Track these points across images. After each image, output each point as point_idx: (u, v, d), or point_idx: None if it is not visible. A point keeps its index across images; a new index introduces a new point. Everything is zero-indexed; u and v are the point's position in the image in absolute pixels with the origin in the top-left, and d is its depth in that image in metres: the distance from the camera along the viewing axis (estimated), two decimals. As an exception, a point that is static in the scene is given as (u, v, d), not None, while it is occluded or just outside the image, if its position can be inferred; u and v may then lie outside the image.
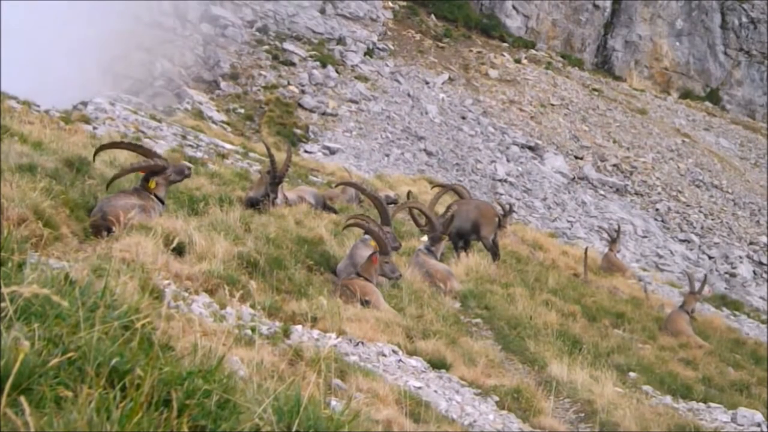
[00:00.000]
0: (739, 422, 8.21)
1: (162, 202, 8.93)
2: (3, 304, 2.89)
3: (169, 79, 32.51)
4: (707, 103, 48.02)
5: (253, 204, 11.86)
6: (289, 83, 34.89)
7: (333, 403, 4.32)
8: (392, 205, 14.22)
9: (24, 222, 6.34)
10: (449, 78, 40.50)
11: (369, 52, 39.91)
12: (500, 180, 32.38)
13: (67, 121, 16.45)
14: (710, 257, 31.80)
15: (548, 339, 9.28)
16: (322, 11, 41.09)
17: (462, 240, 13.69)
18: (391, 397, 5.43)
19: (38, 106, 17.27)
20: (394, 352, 7.02)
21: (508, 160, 34.29)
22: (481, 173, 32.71)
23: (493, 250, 13.38)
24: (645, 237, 31.86)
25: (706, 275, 13.23)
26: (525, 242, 18.12)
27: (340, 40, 39.53)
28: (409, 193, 16.28)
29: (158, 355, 2.97)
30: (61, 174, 8.77)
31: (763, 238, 33.85)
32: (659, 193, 35.60)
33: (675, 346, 11.56)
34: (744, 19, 49.64)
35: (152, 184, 8.86)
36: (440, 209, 14.02)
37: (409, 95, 37.21)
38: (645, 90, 47.27)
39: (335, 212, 14.02)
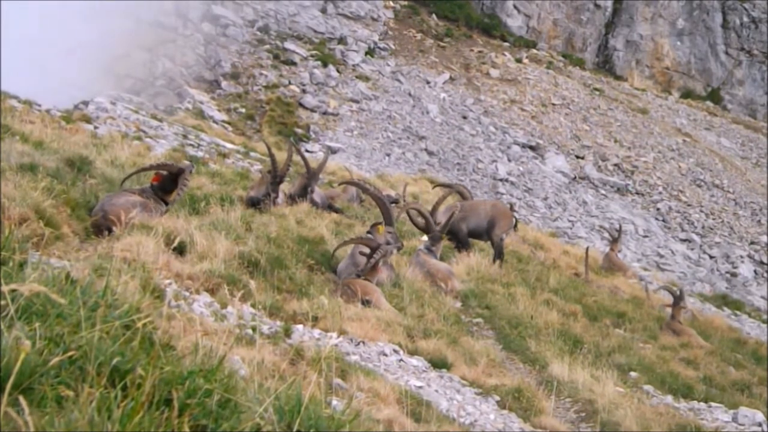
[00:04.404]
0: (740, 422, 8.20)
1: (167, 204, 8.97)
2: (3, 303, 2.89)
3: (170, 79, 32.51)
4: (708, 103, 47.98)
5: (254, 203, 11.86)
6: (290, 83, 34.89)
7: (334, 402, 4.32)
8: (394, 205, 14.22)
9: (25, 221, 6.35)
10: (450, 77, 40.48)
11: (370, 52, 39.90)
12: (501, 179, 32.37)
13: (68, 120, 16.46)
14: (711, 257, 31.78)
15: (549, 338, 9.28)
16: (323, 11, 41.08)
17: (468, 239, 13.81)
18: (392, 396, 5.43)
19: (39, 105, 17.27)
20: (395, 351, 7.02)
21: (509, 160, 34.27)
22: (482, 173, 32.70)
23: (500, 249, 13.44)
24: (646, 236, 31.84)
25: (681, 290, 13.22)
26: (526, 242, 18.12)
27: (341, 40, 39.52)
28: (404, 188, 16.17)
29: (159, 355, 2.97)
30: (62, 173, 8.78)
31: (764, 238, 33.82)
32: (660, 193, 35.57)
33: (676, 345, 11.55)
34: (745, 19, 49.59)
35: (174, 195, 8.95)
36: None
37: (410, 95, 37.20)
38: (646, 89, 47.23)
39: (341, 212, 14.04)
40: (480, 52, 44.06)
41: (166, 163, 9.66)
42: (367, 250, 9.12)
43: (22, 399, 2.41)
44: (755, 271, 31.22)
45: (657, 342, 11.59)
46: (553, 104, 40.66)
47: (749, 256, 32.18)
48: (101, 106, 20.73)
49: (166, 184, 9.02)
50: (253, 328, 5.85)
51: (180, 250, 7.52)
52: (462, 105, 37.93)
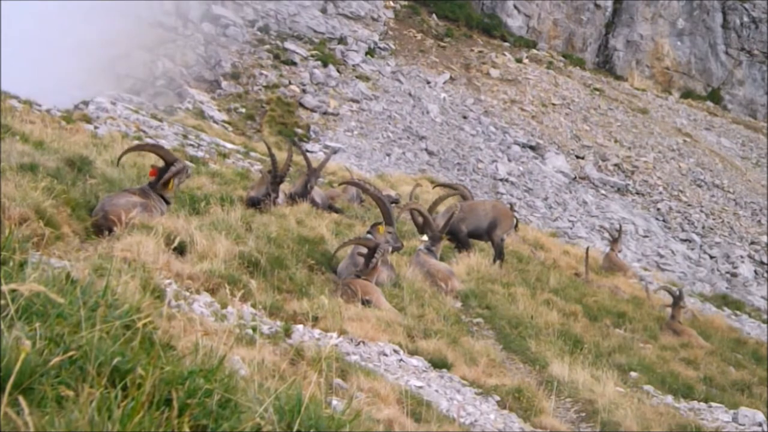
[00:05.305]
0: (740, 422, 8.20)
1: (168, 202, 8.97)
2: (3, 303, 2.89)
3: (170, 79, 32.51)
4: (708, 103, 47.97)
5: (254, 203, 11.87)
6: (290, 83, 34.88)
7: (334, 402, 4.32)
8: (394, 205, 14.22)
9: (25, 221, 6.35)
10: (450, 77, 40.48)
11: (370, 52, 39.89)
12: (501, 179, 32.37)
13: (69, 120, 16.46)
14: (711, 257, 31.77)
15: (549, 338, 9.28)
16: (324, 11, 41.08)
17: (469, 239, 13.82)
18: (393, 396, 5.43)
19: (39, 105, 17.27)
20: (396, 351, 7.02)
21: (509, 160, 34.27)
22: (482, 173, 32.70)
23: (500, 250, 13.45)
24: (646, 237, 31.84)
25: (681, 290, 13.25)
26: (526, 242, 18.13)
27: (342, 40, 39.52)
28: (413, 191, 16.21)
29: (159, 355, 2.97)
30: (62, 173, 8.77)
31: (764, 238, 33.82)
32: (660, 193, 35.57)
33: (676, 345, 11.56)
34: (745, 19, 49.58)
35: (171, 185, 8.93)
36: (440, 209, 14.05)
37: (410, 95, 37.19)
38: (646, 89, 47.23)
39: (341, 212, 14.05)
40: (480, 52, 44.07)
41: (160, 145, 9.64)
42: (365, 251, 9.11)
43: (22, 399, 2.41)
44: (755, 271, 31.21)
45: (657, 342, 11.59)
46: (554, 104, 40.66)
47: (749, 256, 32.17)
48: (101, 106, 20.73)
49: (163, 175, 8.99)
50: (254, 328, 5.84)
51: (180, 250, 7.52)
52: (462, 105, 37.93)
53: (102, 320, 3.08)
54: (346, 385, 5.43)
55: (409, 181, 22.84)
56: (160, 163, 9.04)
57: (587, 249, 17.23)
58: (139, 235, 7.14)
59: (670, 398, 8.68)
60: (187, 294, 6.25)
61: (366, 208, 15.83)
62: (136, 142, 15.76)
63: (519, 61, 44.25)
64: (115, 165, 9.57)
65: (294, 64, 36.33)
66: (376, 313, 7.87)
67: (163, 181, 8.91)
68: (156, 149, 9.34)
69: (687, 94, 48.31)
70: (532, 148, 35.94)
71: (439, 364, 7.21)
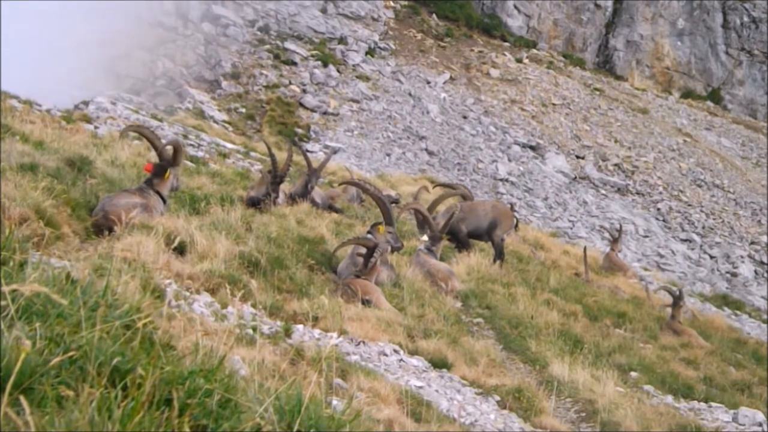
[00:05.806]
0: (740, 422, 8.20)
1: (164, 200, 8.97)
2: (4, 303, 2.90)
3: (170, 79, 32.50)
4: (709, 103, 47.97)
5: (254, 203, 11.87)
6: (290, 83, 34.89)
7: (334, 402, 4.32)
8: (394, 205, 14.22)
9: (25, 221, 6.35)
10: (450, 77, 40.48)
11: (370, 52, 39.89)
12: (501, 179, 32.37)
13: (69, 120, 16.46)
14: (712, 257, 31.77)
15: (549, 338, 9.28)
16: (324, 11, 41.07)
17: (468, 239, 13.82)
18: (393, 396, 5.42)
19: (40, 105, 17.28)
20: (396, 351, 7.02)
21: (509, 160, 34.27)
22: (482, 173, 32.70)
23: (500, 250, 13.46)
24: (646, 236, 31.84)
25: (681, 290, 13.24)
26: (526, 242, 18.13)
27: (342, 40, 39.52)
28: (417, 193, 16.14)
29: (159, 355, 2.97)
30: (62, 173, 8.77)
31: (765, 238, 33.82)
32: (661, 193, 35.57)
33: (676, 345, 11.55)
34: (746, 19, 49.58)
35: (167, 175, 8.92)
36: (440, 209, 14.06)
37: (410, 95, 37.19)
38: (646, 89, 47.23)
39: (341, 212, 14.05)
40: (480, 52, 44.06)
41: (155, 133, 9.61)
42: (364, 251, 9.11)
43: (22, 399, 2.41)
44: (755, 271, 31.21)
45: (657, 342, 11.59)
46: (554, 104, 40.66)
47: (749, 256, 32.17)
48: (101, 106, 20.74)
49: (159, 169, 8.98)
50: (254, 328, 5.84)
51: (180, 250, 7.52)
52: (462, 105, 37.93)
53: (102, 320, 3.08)
54: (346, 385, 5.43)
55: (410, 181, 22.85)
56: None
57: (584, 248, 17.20)
58: (139, 235, 7.14)
59: (670, 398, 8.68)
60: (187, 294, 6.25)
61: (366, 208, 15.83)
62: (136, 142, 15.78)
63: (519, 61, 44.25)
64: (119, 138, 9.57)
65: (294, 64, 36.33)
66: (376, 313, 7.87)
67: (155, 168, 8.89)
68: (150, 135, 9.29)
69: (687, 94, 48.31)
70: (532, 148, 35.94)
71: (439, 364, 7.21)
